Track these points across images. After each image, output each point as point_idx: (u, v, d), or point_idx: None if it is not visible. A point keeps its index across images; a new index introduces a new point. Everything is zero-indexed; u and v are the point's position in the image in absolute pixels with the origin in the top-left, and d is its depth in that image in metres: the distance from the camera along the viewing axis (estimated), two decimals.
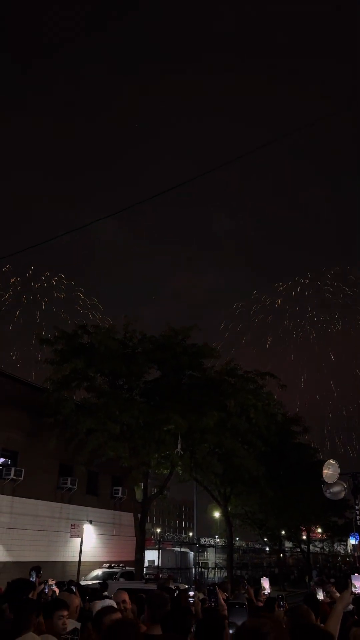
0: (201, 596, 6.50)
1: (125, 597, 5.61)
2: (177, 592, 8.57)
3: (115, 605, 3.98)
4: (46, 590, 9.27)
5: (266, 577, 7.56)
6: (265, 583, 7.05)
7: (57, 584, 11.02)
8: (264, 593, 6.89)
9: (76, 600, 5.71)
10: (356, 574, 4.53)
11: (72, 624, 4.63)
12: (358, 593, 7.56)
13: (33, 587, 5.32)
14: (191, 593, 6.11)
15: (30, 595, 5.09)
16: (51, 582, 9.13)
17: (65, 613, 4.39)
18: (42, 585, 9.60)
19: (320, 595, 7.77)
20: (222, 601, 5.68)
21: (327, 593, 8.46)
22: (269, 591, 7.03)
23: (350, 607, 6.31)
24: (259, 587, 7.38)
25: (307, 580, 40.11)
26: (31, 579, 8.43)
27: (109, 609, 4.37)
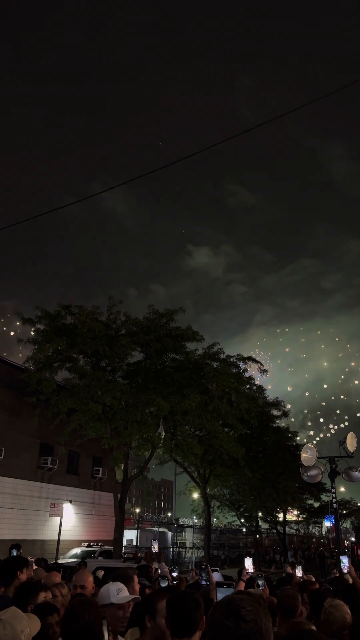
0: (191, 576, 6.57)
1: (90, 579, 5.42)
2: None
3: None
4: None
5: (249, 557, 7.74)
6: (248, 563, 7.20)
7: (36, 562, 11.16)
8: (247, 573, 7.04)
9: (57, 578, 5.70)
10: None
11: None
12: (346, 571, 7.86)
13: (26, 564, 5.30)
14: (175, 574, 6.18)
15: (23, 573, 5.06)
16: (30, 559, 9.19)
17: (50, 596, 4.24)
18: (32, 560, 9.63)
19: (299, 572, 8.14)
20: (214, 578, 5.74)
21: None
22: (252, 571, 7.19)
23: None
24: (242, 567, 7.53)
25: (282, 560, 41.05)
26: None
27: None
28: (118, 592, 3.59)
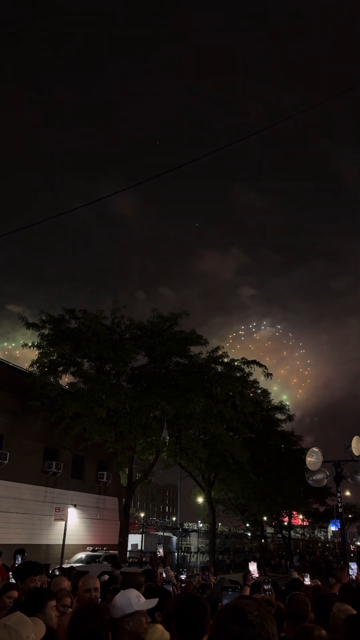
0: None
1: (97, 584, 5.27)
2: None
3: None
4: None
5: (254, 561, 7.72)
6: (253, 567, 7.19)
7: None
8: (252, 577, 7.02)
9: (65, 584, 5.67)
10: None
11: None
12: (355, 577, 7.82)
13: (41, 571, 5.29)
14: (183, 577, 6.15)
15: (26, 580, 5.04)
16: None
17: (54, 604, 4.18)
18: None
19: (307, 580, 8.07)
20: (212, 578, 5.73)
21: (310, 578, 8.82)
22: (257, 575, 7.17)
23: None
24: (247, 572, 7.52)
25: (287, 565, 40.88)
26: (16, 562, 8.48)
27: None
28: (139, 599, 3.55)
